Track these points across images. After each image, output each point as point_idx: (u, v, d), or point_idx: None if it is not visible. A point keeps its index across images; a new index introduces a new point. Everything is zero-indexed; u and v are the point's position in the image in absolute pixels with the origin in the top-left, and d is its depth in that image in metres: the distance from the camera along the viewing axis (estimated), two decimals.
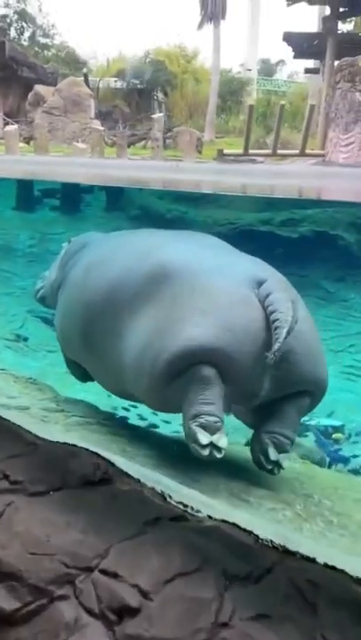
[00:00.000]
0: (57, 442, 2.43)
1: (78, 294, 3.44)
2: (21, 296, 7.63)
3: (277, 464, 2.87)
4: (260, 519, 2.45)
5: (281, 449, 2.87)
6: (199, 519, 1.94)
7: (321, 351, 2.90)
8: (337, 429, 5.70)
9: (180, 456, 2.93)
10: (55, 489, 2.13)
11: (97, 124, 16.95)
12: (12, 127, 12.55)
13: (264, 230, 8.43)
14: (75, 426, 3.35)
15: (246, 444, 3.38)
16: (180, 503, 1.99)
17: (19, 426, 2.61)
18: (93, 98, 20.31)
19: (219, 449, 2.60)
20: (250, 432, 3.07)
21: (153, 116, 16.55)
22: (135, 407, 4.93)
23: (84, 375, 3.71)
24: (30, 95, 21.45)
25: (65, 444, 2.38)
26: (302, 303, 2.83)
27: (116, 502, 2.05)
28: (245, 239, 8.54)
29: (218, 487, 2.74)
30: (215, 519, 1.92)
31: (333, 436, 5.40)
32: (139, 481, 2.15)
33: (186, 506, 1.98)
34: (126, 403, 4.47)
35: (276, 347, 2.53)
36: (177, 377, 2.70)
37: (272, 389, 2.77)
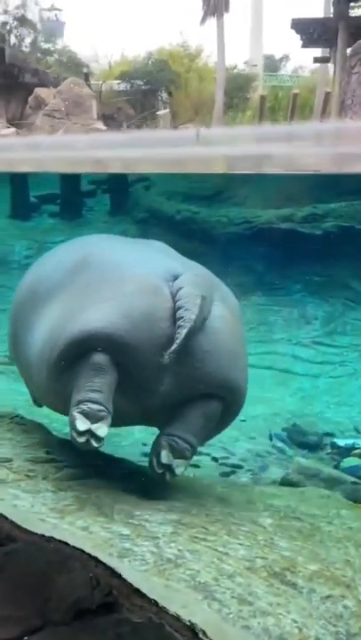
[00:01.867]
0: (42, 536, 1.71)
1: (15, 297, 3.37)
2: None
3: (170, 469, 2.69)
4: None
5: (178, 454, 2.70)
6: None
7: (238, 355, 2.77)
8: None
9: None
10: (32, 631, 1.40)
11: (100, 125, 16.39)
12: (9, 131, 12.02)
13: (285, 228, 7.71)
14: (68, 481, 2.66)
15: None
16: None
17: None
18: (95, 98, 19.76)
19: (98, 438, 2.52)
20: None
21: (158, 112, 15.95)
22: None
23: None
24: (30, 99, 20.96)
25: (50, 540, 1.67)
26: (229, 302, 2.82)
27: None
28: (265, 238, 7.89)
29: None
30: None
31: None
32: (156, 604, 1.43)
33: None
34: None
35: (174, 346, 2.47)
36: (74, 364, 2.58)
37: (175, 388, 2.64)
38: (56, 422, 4.27)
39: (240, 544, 2.33)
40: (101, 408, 2.54)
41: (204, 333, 2.61)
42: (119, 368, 2.59)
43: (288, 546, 2.39)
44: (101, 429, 2.53)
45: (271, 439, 4.95)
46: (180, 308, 2.57)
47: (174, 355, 2.48)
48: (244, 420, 5.53)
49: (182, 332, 2.49)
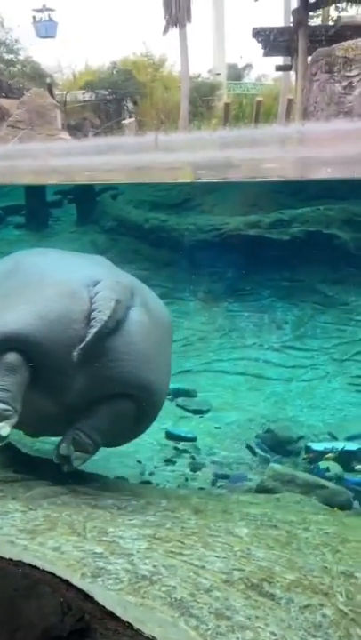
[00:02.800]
0: (10, 561, 1.64)
1: None
2: None
3: (68, 461, 2.80)
4: None
5: (80, 447, 2.82)
6: None
7: (152, 357, 2.89)
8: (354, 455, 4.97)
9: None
10: None
11: (65, 135, 16.25)
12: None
13: (253, 234, 7.73)
14: (39, 500, 2.58)
15: None
16: None
17: None
18: (59, 108, 19.62)
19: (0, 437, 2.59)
20: None
21: (124, 121, 15.93)
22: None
23: None
24: None
25: (18, 564, 1.59)
26: (152, 309, 2.98)
27: None
28: (233, 245, 7.90)
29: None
30: None
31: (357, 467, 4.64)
32: (131, 626, 1.38)
33: None
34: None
35: (83, 344, 2.61)
36: None
37: (89, 386, 2.75)
38: (25, 438, 4.17)
39: (216, 556, 2.29)
40: (7, 408, 2.63)
41: (119, 335, 2.76)
42: (36, 367, 2.70)
43: (265, 555, 2.36)
44: (4, 429, 2.62)
45: (254, 452, 4.92)
46: (93, 311, 2.73)
47: (83, 352, 2.61)
48: (218, 427, 5.52)
49: (92, 332, 2.64)
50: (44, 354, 2.68)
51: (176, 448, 4.98)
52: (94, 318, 2.69)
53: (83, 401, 2.81)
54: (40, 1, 26.14)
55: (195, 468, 4.56)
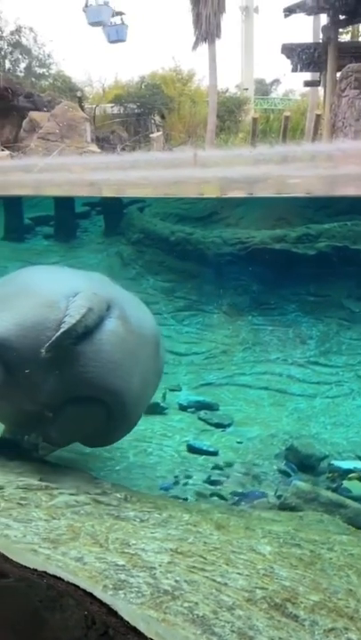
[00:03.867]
0: (34, 571, 1.63)
1: None
2: None
3: (35, 448, 3.26)
4: None
5: (48, 439, 3.24)
6: None
7: (125, 366, 3.13)
8: None
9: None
10: None
11: (94, 148, 16.48)
12: (3, 154, 12.08)
13: (279, 248, 7.71)
14: (62, 509, 2.58)
15: None
16: None
17: None
18: (89, 121, 19.93)
19: None
20: None
21: (151, 135, 16.09)
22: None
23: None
24: (25, 122, 21.10)
25: (43, 575, 1.59)
26: (132, 321, 3.21)
27: None
28: (258, 259, 7.89)
29: None
30: None
31: None
32: None
33: None
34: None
35: (49, 342, 2.87)
36: None
37: (60, 387, 3.01)
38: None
39: (239, 573, 2.25)
40: None
41: (90, 343, 3.03)
42: (12, 368, 2.99)
43: (288, 575, 2.32)
44: None
45: (288, 473, 4.85)
46: (65, 316, 3.01)
47: (49, 350, 2.87)
48: (240, 442, 5.47)
49: (59, 332, 2.90)
50: (18, 356, 2.96)
51: (197, 461, 4.95)
52: (63, 322, 2.96)
53: (55, 400, 3.09)
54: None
55: (216, 482, 4.52)
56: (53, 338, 2.88)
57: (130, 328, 3.21)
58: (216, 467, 4.85)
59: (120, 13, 25.68)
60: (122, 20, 25.78)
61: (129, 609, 1.55)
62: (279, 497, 3.97)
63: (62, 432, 3.20)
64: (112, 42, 25.61)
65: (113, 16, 25.41)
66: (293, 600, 2.12)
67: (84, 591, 1.51)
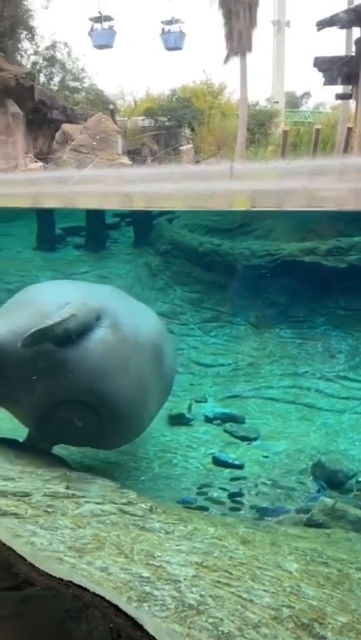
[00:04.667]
0: (60, 581, 1.63)
1: None
2: None
3: (34, 444, 3.54)
4: None
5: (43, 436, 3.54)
6: None
7: (113, 373, 3.37)
8: None
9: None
10: None
11: (125, 160, 16.67)
12: (36, 165, 12.32)
13: (308, 261, 7.64)
14: (88, 518, 2.58)
15: None
16: None
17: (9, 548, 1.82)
18: (121, 134, 20.21)
19: None
20: None
21: (181, 147, 16.19)
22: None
23: None
24: (58, 134, 21.54)
25: (69, 585, 1.58)
26: (123, 331, 3.46)
27: None
28: (287, 271, 7.83)
29: None
30: None
31: None
32: None
33: None
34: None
35: (25, 336, 3.14)
36: None
37: (50, 389, 3.29)
38: (76, 455, 4.21)
39: (265, 590, 2.21)
40: None
41: (77, 349, 3.29)
42: (9, 371, 3.27)
43: (316, 594, 2.26)
44: None
45: (323, 487, 4.78)
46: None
47: (23, 343, 3.14)
48: (266, 456, 5.40)
49: (34, 329, 3.16)
50: (12, 360, 3.23)
51: (222, 474, 4.90)
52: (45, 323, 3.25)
53: (48, 401, 3.35)
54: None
55: (241, 495, 4.47)
56: (28, 333, 3.14)
57: (122, 337, 3.45)
58: (241, 480, 4.79)
59: (108, 19, 25.76)
60: (110, 26, 25.88)
61: (154, 623, 1.54)
62: (306, 513, 3.90)
63: (52, 431, 3.46)
64: (97, 47, 25.69)
65: (102, 21, 25.50)
66: (321, 620, 2.06)
67: (109, 603, 1.50)
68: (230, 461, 5.14)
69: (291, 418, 6.37)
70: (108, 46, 26.56)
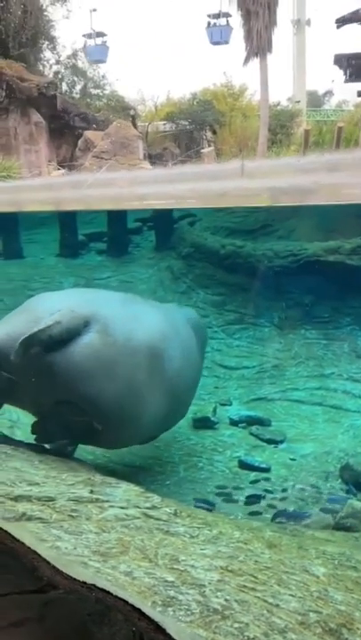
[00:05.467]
0: (84, 584, 1.63)
1: None
2: None
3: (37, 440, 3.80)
4: None
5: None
6: None
7: (99, 377, 3.59)
8: None
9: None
10: None
11: (146, 165, 16.76)
12: (59, 172, 12.47)
13: (332, 260, 7.55)
14: (112, 522, 2.58)
15: None
16: None
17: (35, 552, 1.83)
18: (141, 139, 20.32)
19: None
20: None
21: (203, 150, 16.20)
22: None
23: None
24: (80, 141, 21.78)
25: (92, 588, 1.58)
26: (116, 337, 3.69)
27: None
28: (311, 271, 7.75)
29: None
30: None
31: None
32: None
33: None
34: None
35: (17, 343, 3.42)
36: None
37: (42, 390, 3.56)
38: (100, 459, 4.23)
39: (292, 595, 2.18)
40: None
41: (63, 353, 3.52)
42: (4, 372, 3.54)
43: (344, 599, 2.22)
44: None
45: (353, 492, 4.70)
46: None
47: (16, 356, 3.40)
48: (293, 459, 5.34)
49: (21, 339, 3.41)
50: (8, 362, 3.47)
51: (249, 478, 4.87)
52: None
53: (39, 401, 3.66)
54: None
55: (267, 499, 4.43)
56: (18, 342, 3.42)
57: (110, 341, 3.66)
58: (268, 483, 4.75)
59: (101, 35, 26.31)
60: (103, 41, 26.40)
61: (178, 627, 1.53)
62: (334, 516, 3.84)
63: (47, 429, 3.69)
64: (92, 62, 26.22)
65: (94, 37, 26.10)
66: (349, 626, 2.02)
67: (132, 606, 1.50)
68: (257, 464, 5.10)
69: (318, 420, 6.29)
70: (102, 61, 27.30)
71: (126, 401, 3.74)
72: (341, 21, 15.22)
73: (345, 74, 17.29)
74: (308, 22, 31.90)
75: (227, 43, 25.52)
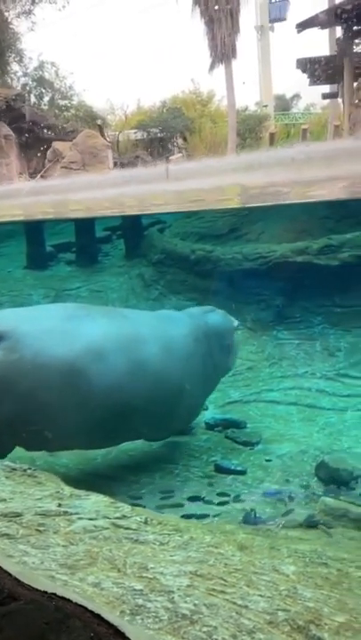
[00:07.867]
0: (44, 593, 1.62)
1: None
2: None
3: None
4: None
5: None
6: None
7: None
8: None
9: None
10: None
11: (116, 174, 16.75)
12: (29, 184, 12.42)
13: (301, 261, 7.63)
14: (80, 534, 2.56)
15: None
16: None
17: None
18: (110, 148, 20.33)
19: None
20: None
21: (171, 157, 16.28)
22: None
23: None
24: (49, 152, 21.73)
25: (52, 597, 1.57)
26: (25, 353, 4.00)
27: None
28: (281, 272, 7.82)
29: None
30: None
31: None
32: None
33: None
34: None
35: None
36: None
37: None
38: (74, 471, 4.20)
39: (261, 595, 2.18)
40: None
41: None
42: None
43: (313, 595, 2.23)
44: None
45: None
46: None
47: None
48: (269, 460, 5.36)
49: None
50: None
51: (225, 481, 4.87)
52: None
53: None
54: None
55: (243, 501, 4.43)
56: None
57: (17, 357, 3.95)
58: (244, 486, 4.76)
59: None
60: None
61: (138, 631, 1.52)
62: (310, 514, 3.86)
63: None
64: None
65: None
66: (317, 622, 2.03)
67: (92, 613, 1.48)
68: (233, 468, 5.11)
69: (293, 419, 6.33)
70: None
71: (38, 413, 4.00)
72: (302, 26, 15.50)
73: (309, 77, 17.55)
74: (272, 28, 32.32)
75: (284, 19, 25.21)
